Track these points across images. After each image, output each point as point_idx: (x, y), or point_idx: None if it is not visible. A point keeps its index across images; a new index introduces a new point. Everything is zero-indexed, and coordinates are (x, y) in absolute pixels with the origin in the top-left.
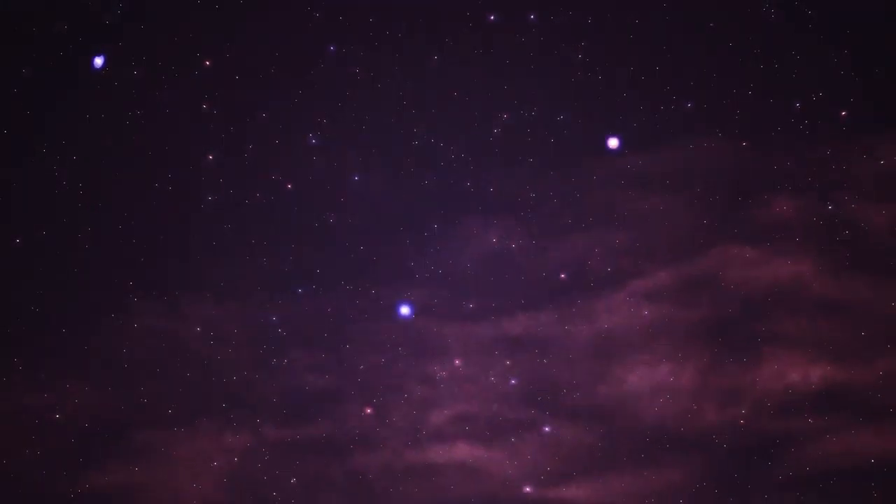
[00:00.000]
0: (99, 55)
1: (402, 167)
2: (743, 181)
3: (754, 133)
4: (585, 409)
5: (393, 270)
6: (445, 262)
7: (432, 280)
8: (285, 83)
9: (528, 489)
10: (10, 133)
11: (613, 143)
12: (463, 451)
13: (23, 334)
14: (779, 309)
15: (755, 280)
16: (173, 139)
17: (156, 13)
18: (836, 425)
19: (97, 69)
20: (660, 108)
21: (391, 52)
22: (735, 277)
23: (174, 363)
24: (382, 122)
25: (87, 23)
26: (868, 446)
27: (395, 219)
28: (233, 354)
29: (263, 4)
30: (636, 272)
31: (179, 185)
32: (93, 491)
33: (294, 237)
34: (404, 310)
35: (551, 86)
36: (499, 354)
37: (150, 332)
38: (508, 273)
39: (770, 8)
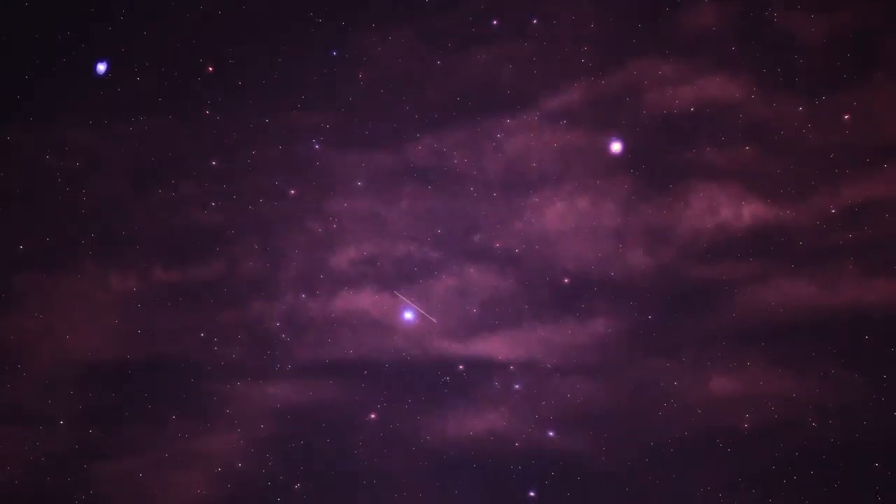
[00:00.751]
0: (101, 61)
1: None
2: None
3: None
4: (499, 250)
5: (287, 97)
6: (339, 82)
7: (326, 102)
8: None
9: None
10: None
11: (616, 146)
12: (368, 300)
13: None
14: (705, 135)
15: (677, 100)
16: None
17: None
18: (769, 270)
19: (100, 75)
20: None
21: None
22: (655, 98)
23: (50, 197)
24: None
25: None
26: (803, 293)
27: (283, 35)
28: (115, 187)
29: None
30: (546, 90)
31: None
32: None
33: (181, 57)
34: None
35: None
36: (402, 186)
37: (22, 161)
38: (408, 93)
39: None
